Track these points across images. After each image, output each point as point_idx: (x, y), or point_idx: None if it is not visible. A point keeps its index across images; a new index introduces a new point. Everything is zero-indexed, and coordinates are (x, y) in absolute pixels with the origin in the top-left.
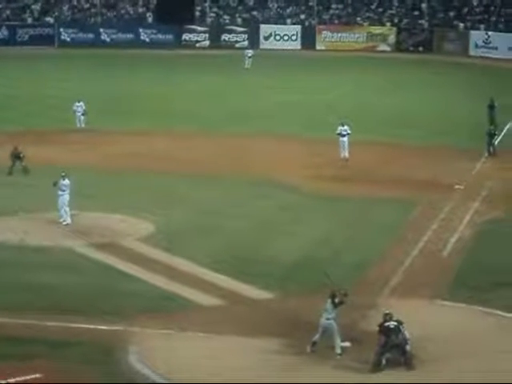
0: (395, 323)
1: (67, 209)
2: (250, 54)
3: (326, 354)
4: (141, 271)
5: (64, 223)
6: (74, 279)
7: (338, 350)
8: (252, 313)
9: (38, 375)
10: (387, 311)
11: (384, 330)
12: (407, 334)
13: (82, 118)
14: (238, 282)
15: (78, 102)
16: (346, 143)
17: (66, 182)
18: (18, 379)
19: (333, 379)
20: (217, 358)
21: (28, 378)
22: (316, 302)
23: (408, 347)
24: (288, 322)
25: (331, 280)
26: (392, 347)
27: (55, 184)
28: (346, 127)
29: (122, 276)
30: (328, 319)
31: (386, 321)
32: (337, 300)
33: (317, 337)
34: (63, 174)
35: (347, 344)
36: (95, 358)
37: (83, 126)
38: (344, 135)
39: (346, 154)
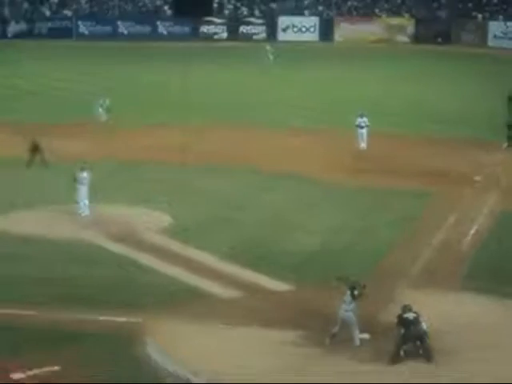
0: (414, 315)
1: (86, 201)
2: (268, 48)
3: (344, 346)
4: (159, 263)
5: (83, 215)
6: (92, 271)
7: (357, 342)
8: (269, 304)
9: (56, 367)
10: (406, 303)
11: (402, 322)
12: (425, 326)
13: (105, 113)
14: (255, 273)
15: (104, 100)
16: (365, 135)
17: (85, 174)
18: (36, 371)
19: (351, 370)
20: (234, 349)
21: (46, 369)
22: (333, 293)
23: (427, 339)
24: (305, 313)
25: (345, 281)
26: (410, 339)
27: (75, 179)
28: (364, 119)
29: (141, 268)
30: (347, 311)
31: (404, 312)
32: (356, 292)
33: (336, 329)
34: (82, 166)
35: (366, 336)
36: (114, 349)
37: (104, 119)
38: (363, 127)
39: (365, 146)
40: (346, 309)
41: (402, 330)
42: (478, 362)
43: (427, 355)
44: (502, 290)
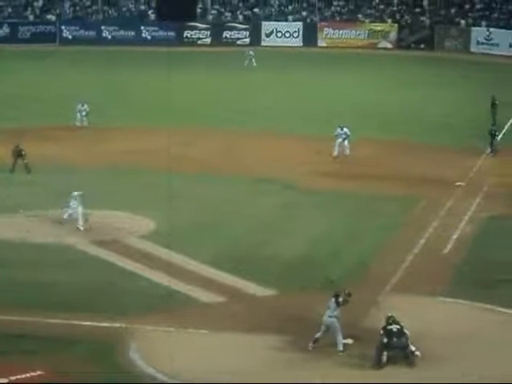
0: (398, 326)
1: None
2: (252, 54)
3: (327, 351)
4: (142, 268)
5: (64, 216)
6: (75, 277)
7: (340, 347)
8: (252, 309)
9: (39, 372)
10: (390, 314)
11: (386, 333)
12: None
13: (85, 118)
14: (238, 278)
15: (82, 105)
16: (346, 143)
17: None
18: (20, 377)
19: (334, 376)
20: (218, 354)
21: (30, 375)
22: (316, 299)
23: (411, 347)
24: (288, 318)
25: (334, 283)
26: (394, 348)
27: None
28: (345, 130)
29: (124, 273)
30: (330, 317)
31: (389, 324)
32: (340, 299)
33: (319, 334)
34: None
35: (349, 341)
36: (97, 355)
37: (85, 124)
38: (344, 138)
39: (347, 151)
40: (330, 314)
41: (385, 340)
42: (460, 367)
43: (409, 361)
44: (486, 295)
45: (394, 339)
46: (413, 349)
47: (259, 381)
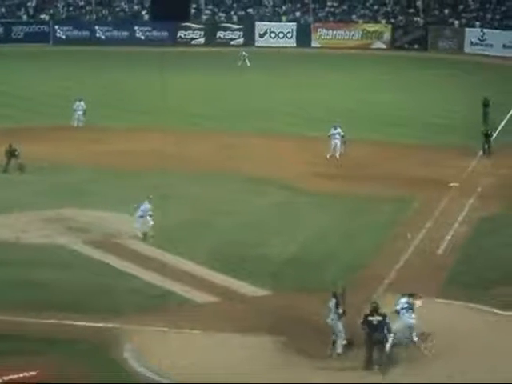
0: (379, 318)
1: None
2: (245, 54)
3: (321, 351)
4: (136, 269)
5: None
6: (69, 277)
7: (339, 350)
8: (246, 310)
9: (33, 372)
10: (374, 302)
11: (367, 324)
12: (392, 327)
13: (82, 117)
14: (232, 279)
15: (79, 101)
16: (339, 144)
17: (147, 206)
18: (13, 377)
19: (327, 377)
20: (211, 355)
21: (23, 375)
22: (310, 300)
23: (388, 345)
24: (282, 319)
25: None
26: (374, 343)
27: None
28: (339, 130)
29: (118, 273)
30: (333, 320)
31: (370, 314)
32: (340, 311)
33: (333, 337)
34: (150, 196)
35: (343, 342)
36: (91, 355)
37: (81, 124)
38: (337, 138)
39: (337, 155)
40: (332, 317)
41: (366, 332)
42: (453, 368)
43: (382, 364)
44: (479, 296)
45: (375, 333)
46: (415, 339)
47: (253, 381)
